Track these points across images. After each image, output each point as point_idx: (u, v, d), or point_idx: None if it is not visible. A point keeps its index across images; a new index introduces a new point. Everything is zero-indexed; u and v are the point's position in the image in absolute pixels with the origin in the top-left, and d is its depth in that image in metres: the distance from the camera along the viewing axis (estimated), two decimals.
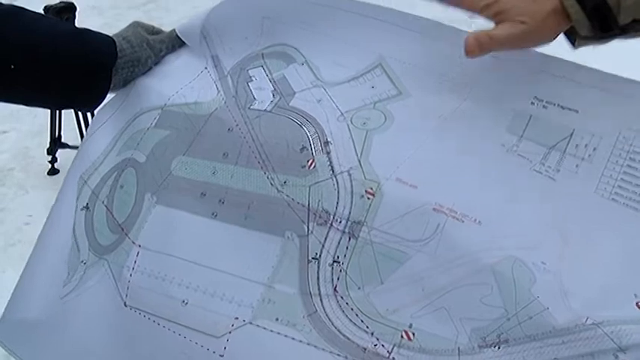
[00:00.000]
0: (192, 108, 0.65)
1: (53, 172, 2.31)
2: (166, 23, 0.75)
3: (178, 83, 0.67)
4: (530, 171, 0.55)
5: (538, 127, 0.57)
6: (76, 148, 2.18)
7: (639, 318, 0.43)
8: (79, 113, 2.10)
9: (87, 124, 2.08)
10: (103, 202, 0.65)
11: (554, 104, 0.57)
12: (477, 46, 0.55)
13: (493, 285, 0.47)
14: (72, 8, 1.88)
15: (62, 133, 2.25)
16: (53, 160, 2.29)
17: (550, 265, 0.47)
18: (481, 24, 0.59)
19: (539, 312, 0.45)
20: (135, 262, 0.59)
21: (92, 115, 2.15)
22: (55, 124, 2.21)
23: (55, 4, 1.85)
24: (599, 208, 0.52)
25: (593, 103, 0.56)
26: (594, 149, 0.55)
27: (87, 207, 0.66)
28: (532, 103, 0.58)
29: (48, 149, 2.26)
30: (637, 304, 0.45)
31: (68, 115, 2.17)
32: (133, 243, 0.60)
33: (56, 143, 2.25)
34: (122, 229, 0.62)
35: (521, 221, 0.50)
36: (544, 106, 0.58)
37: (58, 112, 2.19)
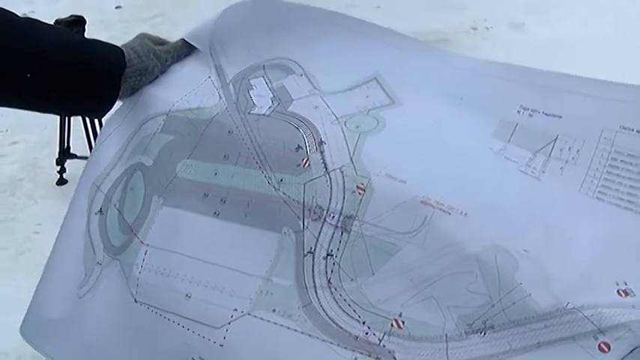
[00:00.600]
0: (195, 113, 0.68)
1: (62, 182, 2.35)
2: (173, 36, 0.78)
3: (183, 90, 0.71)
4: (516, 171, 0.58)
5: (524, 133, 0.60)
6: (84, 158, 2.22)
7: (619, 303, 0.46)
8: (88, 124, 2.14)
9: (95, 135, 2.11)
10: (115, 206, 0.69)
11: (539, 112, 0.61)
12: None
13: (478, 273, 0.49)
14: (82, 21, 1.93)
15: (71, 144, 2.29)
16: (62, 171, 2.33)
17: (533, 253, 0.50)
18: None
19: (522, 298, 0.47)
20: (143, 260, 0.62)
21: (100, 124, 2.18)
22: (63, 135, 2.25)
23: (66, 18, 1.90)
24: (584, 206, 0.55)
25: (575, 108, 0.60)
26: (578, 151, 0.58)
27: (101, 211, 0.69)
28: (518, 112, 0.62)
29: (57, 160, 2.30)
30: (618, 291, 0.47)
31: (77, 126, 2.21)
32: (142, 242, 0.63)
33: (65, 154, 2.29)
34: (132, 230, 0.65)
35: (506, 214, 0.53)
36: (529, 115, 0.61)
37: (67, 123, 2.23)
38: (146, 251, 0.62)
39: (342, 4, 3.59)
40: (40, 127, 2.64)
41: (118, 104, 0.73)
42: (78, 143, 2.26)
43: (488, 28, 3.47)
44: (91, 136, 2.13)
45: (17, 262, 2.00)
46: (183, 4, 4.00)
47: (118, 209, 0.68)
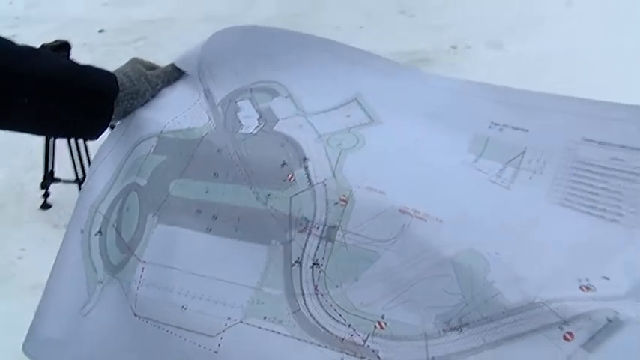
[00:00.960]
0: (185, 134, 0.72)
1: (46, 206, 2.35)
2: (156, 59, 0.82)
3: (173, 113, 0.75)
4: (487, 182, 0.62)
5: (495, 147, 0.65)
6: (68, 182, 2.23)
7: (581, 297, 0.50)
8: (73, 148, 2.15)
9: (81, 159, 2.13)
10: (113, 226, 0.72)
11: (509, 127, 0.66)
12: None
13: (452, 275, 0.53)
14: (67, 46, 1.96)
15: (55, 168, 2.30)
16: (46, 195, 2.34)
17: (503, 255, 0.54)
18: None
19: (494, 295, 0.51)
20: (141, 276, 0.66)
21: (86, 149, 2.18)
22: (48, 160, 2.26)
23: (51, 43, 1.92)
24: (550, 212, 0.59)
25: (541, 122, 0.65)
26: (544, 163, 0.63)
27: (100, 232, 0.73)
28: (489, 128, 0.67)
29: (41, 184, 2.31)
30: (580, 287, 0.51)
31: (61, 151, 2.22)
32: (139, 260, 0.67)
33: (49, 178, 2.30)
34: (129, 248, 0.68)
35: (478, 220, 0.58)
36: (500, 130, 0.66)
37: (52, 147, 2.24)
38: (143, 268, 0.66)
39: (328, 25, 3.67)
40: (24, 151, 2.64)
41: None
42: (62, 168, 2.28)
43: (467, 47, 3.56)
44: (76, 160, 2.15)
45: (2, 287, 1.99)
46: (166, 27, 4.06)
47: (116, 229, 0.71)
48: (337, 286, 0.57)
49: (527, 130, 0.65)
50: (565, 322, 0.48)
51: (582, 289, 0.51)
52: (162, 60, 0.81)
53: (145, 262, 0.66)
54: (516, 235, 0.56)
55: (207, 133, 0.71)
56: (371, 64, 0.76)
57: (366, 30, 3.85)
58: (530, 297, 0.50)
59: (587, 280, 0.51)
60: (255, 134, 0.70)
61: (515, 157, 0.64)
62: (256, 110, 0.73)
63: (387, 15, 4.11)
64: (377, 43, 3.48)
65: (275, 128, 0.70)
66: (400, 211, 0.57)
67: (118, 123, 0.77)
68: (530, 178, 0.62)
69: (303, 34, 0.78)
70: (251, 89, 0.76)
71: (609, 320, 0.47)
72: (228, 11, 4.13)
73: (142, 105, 0.76)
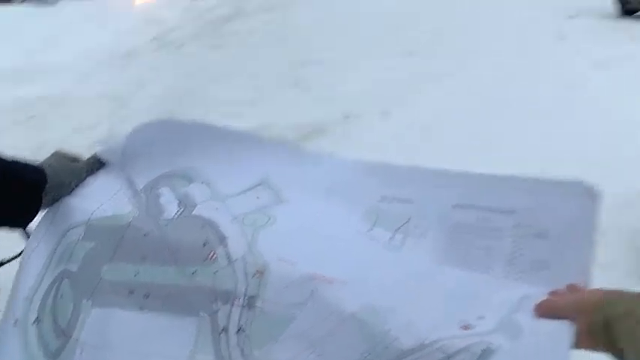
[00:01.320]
0: (111, 220, 0.79)
1: None
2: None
3: (98, 201, 0.81)
4: (380, 248, 0.74)
5: (385, 217, 0.78)
6: None
7: (462, 335, 0.61)
8: None
9: None
10: (49, 313, 0.76)
11: (396, 199, 0.79)
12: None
13: (357, 329, 0.64)
14: None
15: None
16: None
17: (398, 307, 0.65)
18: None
19: (392, 342, 0.62)
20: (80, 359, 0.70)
21: None
22: None
23: None
24: (433, 270, 0.72)
25: (422, 193, 0.79)
26: (426, 228, 0.76)
27: (37, 320, 0.76)
28: (379, 201, 0.79)
29: None
30: (461, 327, 0.63)
31: None
32: (77, 342, 0.71)
33: None
34: (65, 334, 0.73)
35: (376, 280, 0.69)
36: (389, 202, 0.79)
37: None
38: (81, 350, 0.71)
39: (221, 100, 3.79)
40: None
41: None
42: None
43: (358, 116, 3.79)
44: None
45: None
46: (57, 106, 3.98)
47: (52, 316, 0.75)
48: (260, 348, 0.66)
49: (411, 201, 0.78)
50: (449, 357, 0.59)
51: (463, 329, 0.62)
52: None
53: (82, 344, 0.71)
54: (408, 290, 0.68)
55: (133, 218, 0.78)
56: (275, 148, 0.88)
57: (260, 103, 3.98)
58: (421, 339, 0.61)
59: (467, 320, 0.63)
60: (177, 218, 0.78)
61: (403, 224, 0.77)
62: (176, 196, 0.82)
63: (280, 88, 4.29)
64: (272, 116, 3.64)
65: (194, 212, 0.79)
66: (310, 277, 0.67)
67: (46, 211, 0.82)
68: (415, 242, 0.75)
69: (212, 125, 0.88)
70: (170, 176, 0.85)
71: (483, 350, 0.58)
72: (120, 90, 4.12)
73: (68, 194, 0.82)
